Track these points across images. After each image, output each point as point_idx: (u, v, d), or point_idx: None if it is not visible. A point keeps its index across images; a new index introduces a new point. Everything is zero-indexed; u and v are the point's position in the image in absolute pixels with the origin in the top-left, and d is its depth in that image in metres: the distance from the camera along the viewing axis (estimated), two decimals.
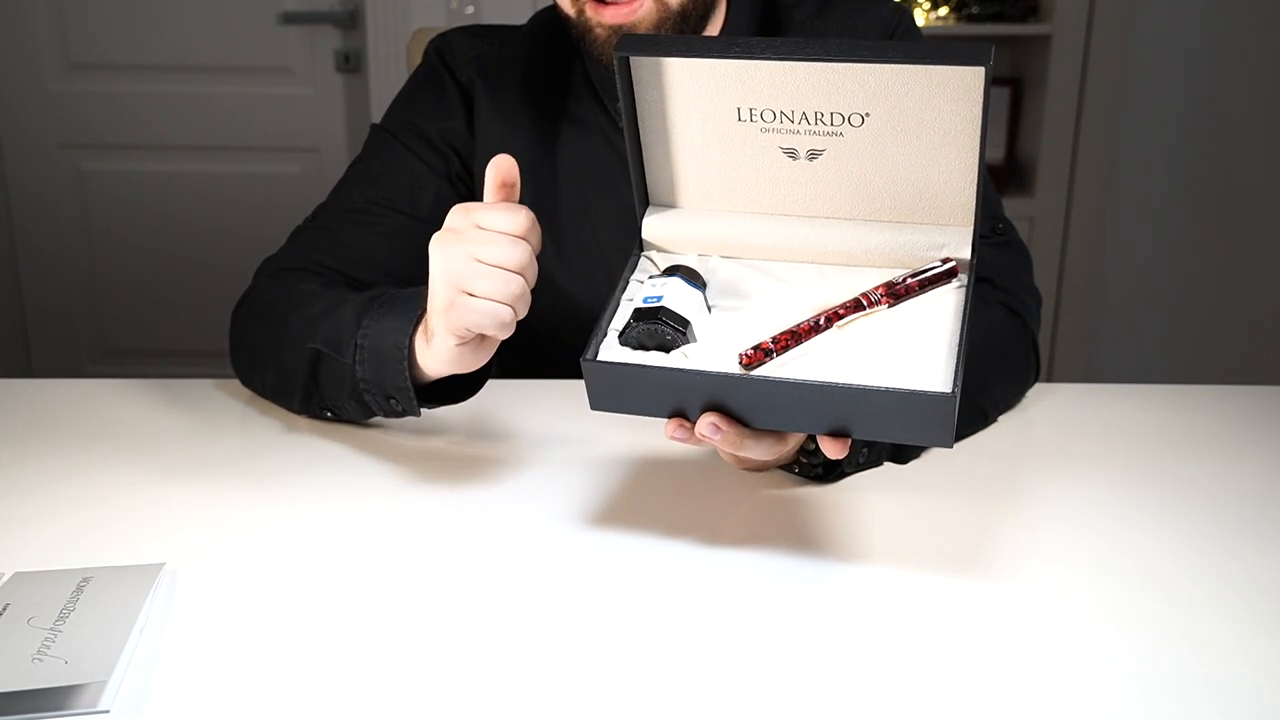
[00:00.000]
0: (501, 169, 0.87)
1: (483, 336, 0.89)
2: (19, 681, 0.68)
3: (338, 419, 1.05)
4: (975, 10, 2.56)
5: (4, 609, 0.75)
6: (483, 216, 0.85)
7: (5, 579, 0.80)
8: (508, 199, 0.87)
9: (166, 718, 0.67)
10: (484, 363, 0.92)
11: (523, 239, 0.85)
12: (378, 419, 1.05)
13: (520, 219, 0.85)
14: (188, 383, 1.16)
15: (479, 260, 0.84)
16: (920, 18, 2.57)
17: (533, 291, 1.24)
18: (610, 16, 1.06)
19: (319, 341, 1.00)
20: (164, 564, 0.82)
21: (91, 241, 2.77)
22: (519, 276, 0.85)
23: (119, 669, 0.70)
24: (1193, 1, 2.60)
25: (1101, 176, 2.62)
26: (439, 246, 0.85)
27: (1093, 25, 2.50)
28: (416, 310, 0.93)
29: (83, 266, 2.79)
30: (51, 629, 0.73)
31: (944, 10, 2.58)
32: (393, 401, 0.97)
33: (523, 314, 0.86)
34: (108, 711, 0.67)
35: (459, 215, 0.86)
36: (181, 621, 0.76)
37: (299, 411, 1.07)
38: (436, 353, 0.90)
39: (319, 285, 1.09)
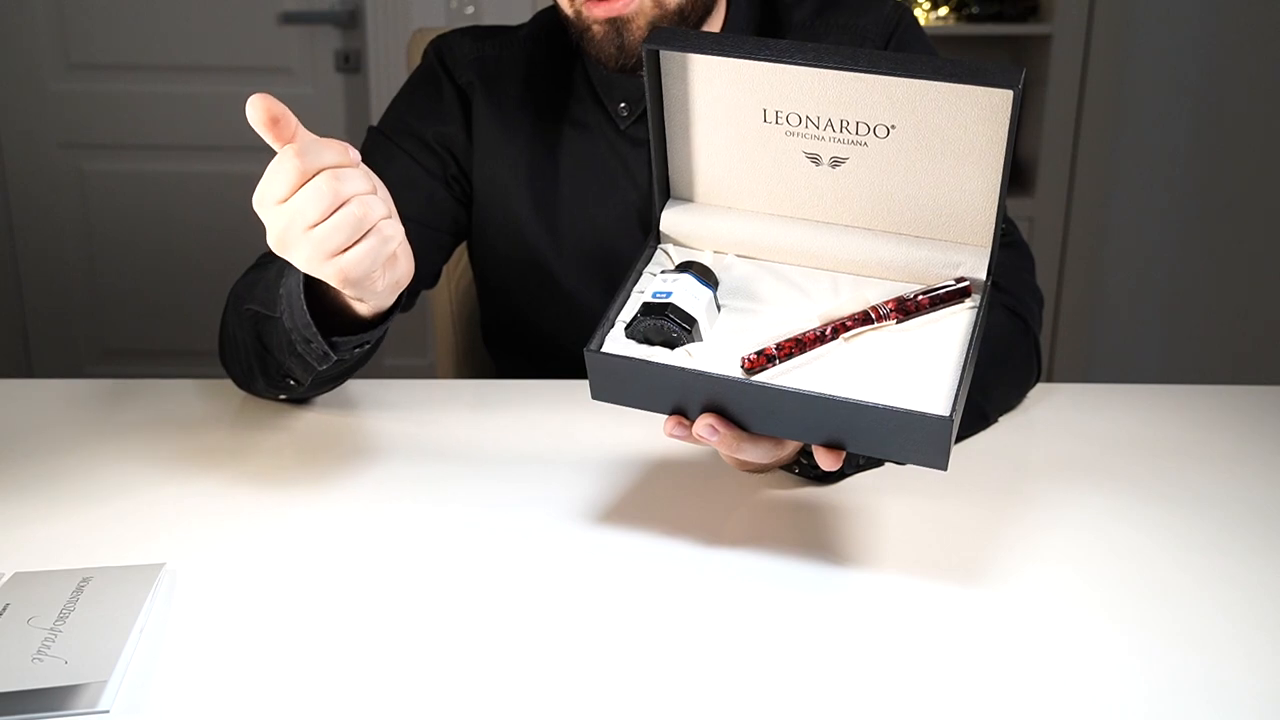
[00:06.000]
0: (262, 110, 0.79)
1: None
2: (19, 681, 0.68)
3: (301, 388, 1.04)
4: (975, 10, 2.56)
5: (4, 609, 0.75)
6: (272, 189, 0.80)
7: (5, 579, 0.79)
8: (282, 135, 0.80)
9: (166, 718, 0.67)
10: (412, 271, 0.91)
11: (312, 170, 0.79)
12: (359, 409, 1.04)
13: (293, 161, 0.79)
14: (187, 383, 1.16)
15: (312, 226, 0.80)
16: (920, 18, 2.57)
17: (534, 291, 1.25)
18: (603, 11, 1.06)
19: (256, 303, 1.01)
20: (164, 564, 0.82)
21: (91, 241, 2.77)
22: (348, 203, 0.80)
23: (119, 669, 0.70)
24: (1192, 2, 2.60)
25: (1101, 176, 2.62)
26: (284, 251, 0.82)
27: (1093, 25, 2.50)
28: None
29: (83, 266, 2.78)
30: (51, 629, 0.73)
31: (944, 10, 2.58)
32: (311, 345, 0.96)
33: (387, 211, 0.83)
34: (108, 711, 0.67)
35: (264, 210, 0.81)
36: (181, 621, 0.76)
37: (269, 390, 1.07)
38: (370, 302, 0.91)
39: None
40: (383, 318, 0.97)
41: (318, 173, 0.80)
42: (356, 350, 0.99)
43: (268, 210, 0.81)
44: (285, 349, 0.98)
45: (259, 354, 1.03)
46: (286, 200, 0.80)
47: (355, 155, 0.82)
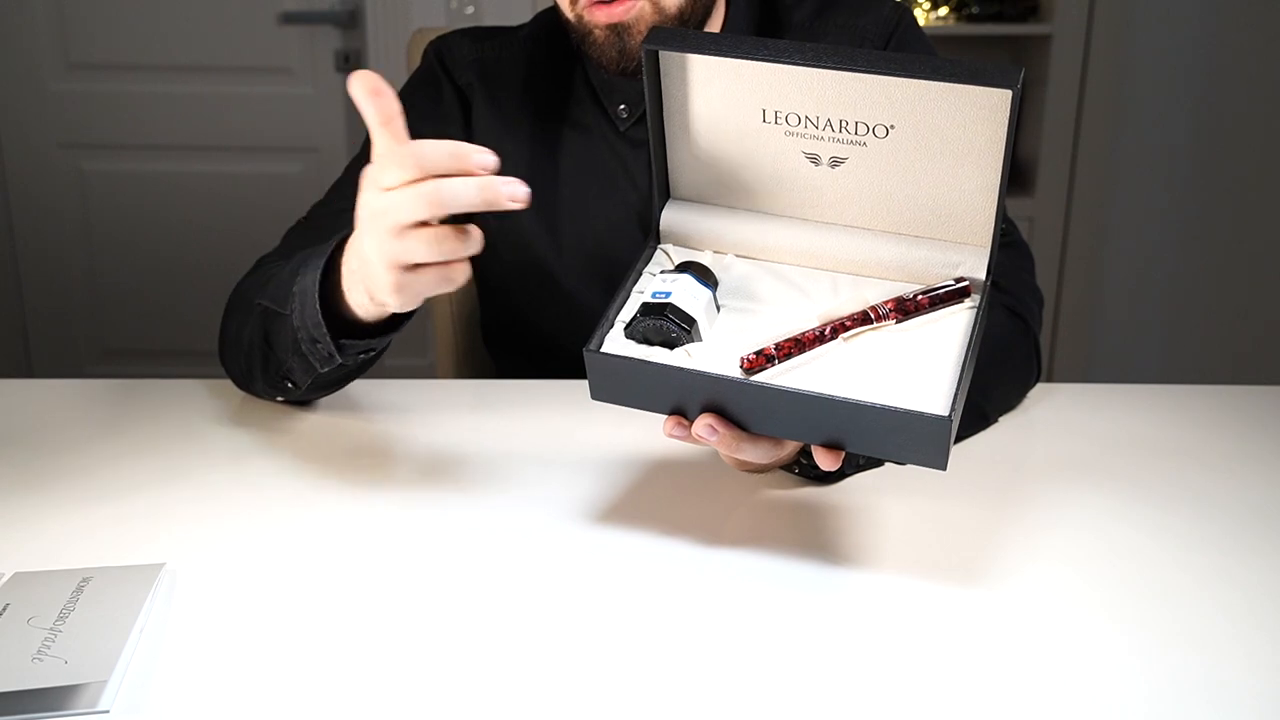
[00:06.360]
0: (377, 104, 0.79)
1: None
2: (19, 681, 0.68)
3: (298, 391, 1.04)
4: (975, 10, 2.56)
5: (4, 609, 0.75)
6: (383, 174, 0.79)
7: (5, 579, 0.79)
8: (384, 109, 0.79)
9: (166, 718, 0.67)
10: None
11: (428, 178, 0.77)
12: (359, 409, 1.04)
13: (412, 155, 0.77)
14: (187, 383, 1.16)
15: (404, 228, 0.78)
16: (920, 18, 2.57)
17: (534, 291, 1.25)
18: (604, 17, 1.06)
19: (267, 299, 1.01)
20: (164, 564, 0.82)
21: (91, 241, 2.77)
22: (443, 229, 0.79)
23: (119, 669, 0.70)
24: (1192, 2, 2.60)
25: (1101, 176, 2.62)
26: (364, 235, 0.81)
27: (1093, 25, 2.50)
28: (330, 249, 0.93)
29: (83, 266, 2.78)
30: (51, 629, 0.73)
31: (944, 10, 2.58)
32: (318, 345, 0.95)
33: (467, 254, 0.80)
34: (108, 711, 0.67)
35: (366, 188, 0.81)
36: (181, 621, 0.76)
37: (266, 390, 1.07)
38: (382, 309, 0.89)
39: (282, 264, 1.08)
40: (390, 328, 0.96)
41: (432, 178, 0.78)
42: (360, 356, 0.99)
43: (370, 191, 0.80)
44: (290, 347, 0.98)
45: (263, 351, 1.03)
46: (391, 190, 0.79)
47: (489, 161, 0.77)
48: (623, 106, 1.18)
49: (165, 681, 0.70)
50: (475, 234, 0.80)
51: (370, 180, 0.81)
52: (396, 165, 0.78)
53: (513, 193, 0.77)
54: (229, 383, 1.13)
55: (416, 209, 0.78)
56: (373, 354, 1.00)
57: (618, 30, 1.07)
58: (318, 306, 0.93)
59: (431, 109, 1.22)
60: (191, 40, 2.65)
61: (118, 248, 2.77)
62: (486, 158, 0.77)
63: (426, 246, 0.79)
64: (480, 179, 0.77)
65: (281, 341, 0.99)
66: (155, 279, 2.78)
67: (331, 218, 1.18)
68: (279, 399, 1.09)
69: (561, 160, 1.21)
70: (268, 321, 1.01)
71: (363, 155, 1.23)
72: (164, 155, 2.71)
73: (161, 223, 2.75)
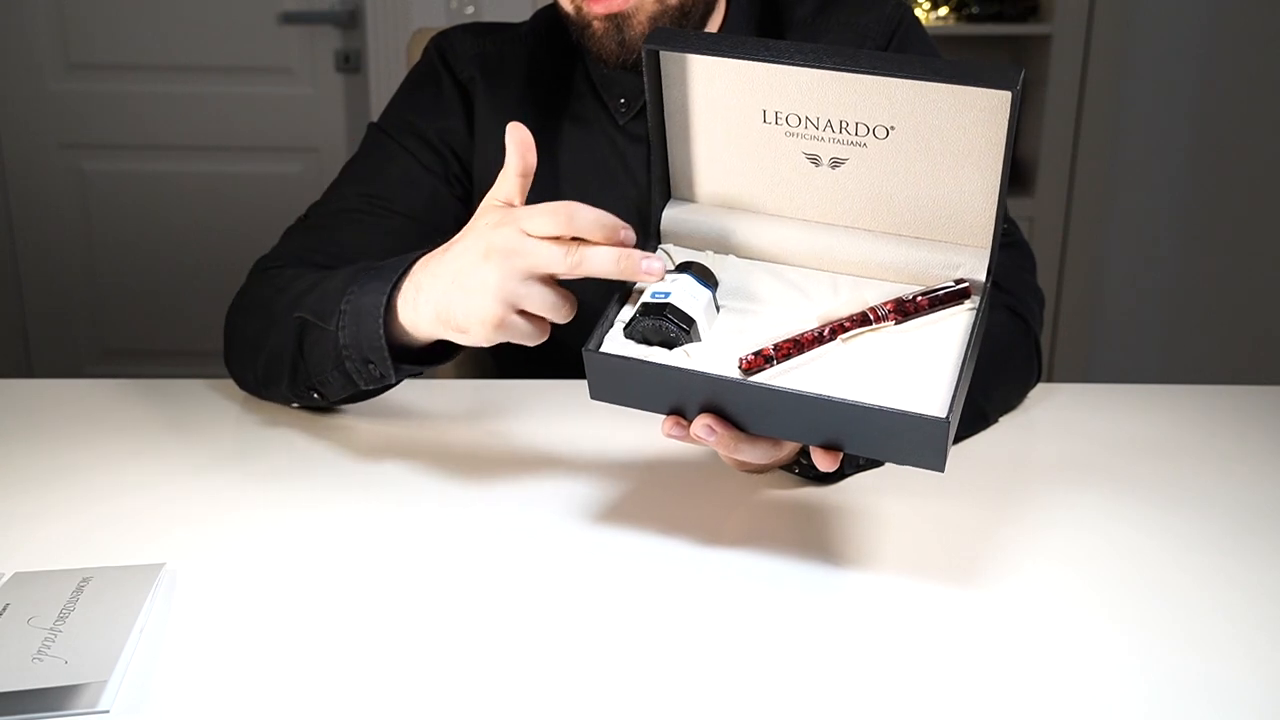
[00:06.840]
0: (525, 158, 0.84)
1: None
2: (19, 681, 0.68)
3: (324, 401, 1.04)
4: (975, 10, 2.56)
5: (4, 609, 0.75)
6: (532, 221, 0.81)
7: (5, 579, 0.80)
8: (523, 189, 0.85)
9: (166, 718, 0.67)
10: None
11: (576, 233, 0.80)
12: (360, 409, 1.05)
13: (565, 219, 0.80)
14: (187, 383, 1.16)
15: (533, 278, 0.81)
16: (920, 18, 2.57)
17: None
18: (602, 7, 1.06)
19: (307, 311, 0.99)
20: (164, 564, 0.82)
21: (91, 241, 2.77)
22: (566, 296, 0.83)
23: (119, 669, 0.70)
24: (1192, 2, 2.60)
25: (1101, 176, 2.62)
26: (487, 264, 0.82)
27: (1093, 25, 2.50)
28: (397, 273, 0.92)
29: (83, 266, 2.78)
30: (51, 629, 0.73)
31: (944, 10, 2.58)
32: (371, 366, 0.95)
33: (570, 318, 0.84)
34: (108, 711, 0.67)
35: (504, 231, 0.82)
36: (181, 621, 0.76)
37: (288, 397, 1.06)
38: (442, 335, 0.89)
39: (306, 272, 1.08)
40: (443, 354, 0.96)
41: (577, 242, 0.80)
42: (407, 377, 0.99)
43: (508, 227, 0.81)
44: (330, 363, 0.98)
45: (293, 362, 1.02)
46: (534, 238, 0.81)
47: (631, 236, 0.81)
48: (622, 100, 1.18)
49: (165, 681, 0.70)
50: (574, 305, 0.84)
51: (509, 216, 0.82)
52: (548, 217, 0.80)
53: (649, 267, 0.81)
54: (230, 382, 1.13)
55: (556, 265, 0.80)
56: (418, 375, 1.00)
57: (617, 21, 1.07)
58: (381, 331, 0.92)
59: (432, 103, 1.22)
60: (191, 40, 2.65)
61: (118, 248, 2.77)
62: (630, 233, 0.81)
63: (547, 301, 0.82)
64: (621, 250, 0.80)
65: (319, 355, 0.99)
66: (155, 279, 2.78)
67: (330, 217, 1.18)
68: (295, 405, 1.08)
69: (561, 156, 1.21)
70: (304, 333, 1.00)
71: (361, 155, 1.23)
72: (164, 155, 2.71)
73: (161, 223, 2.75)
